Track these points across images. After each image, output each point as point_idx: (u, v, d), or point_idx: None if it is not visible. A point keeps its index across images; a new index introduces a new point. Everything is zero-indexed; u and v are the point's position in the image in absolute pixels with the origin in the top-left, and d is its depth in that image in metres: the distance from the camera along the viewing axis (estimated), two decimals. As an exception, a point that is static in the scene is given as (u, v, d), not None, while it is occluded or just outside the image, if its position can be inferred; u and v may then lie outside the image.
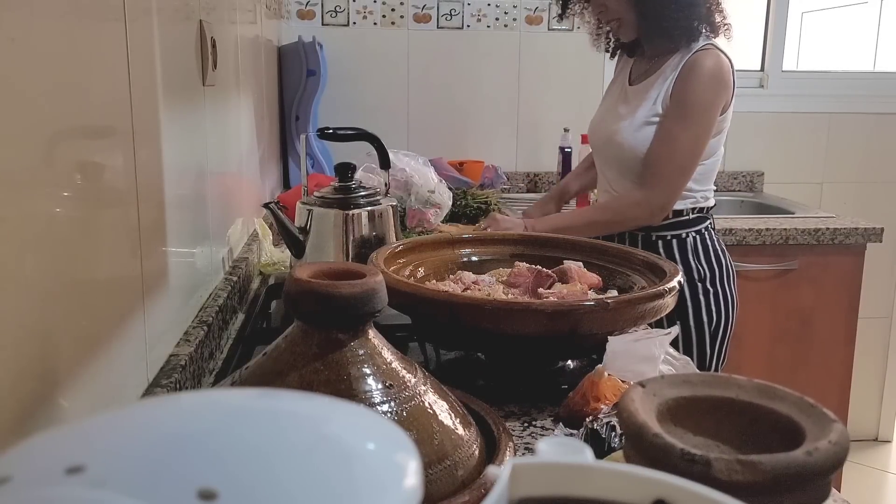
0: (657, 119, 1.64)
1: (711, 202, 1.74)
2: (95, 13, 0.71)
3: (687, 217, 1.70)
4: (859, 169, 2.93)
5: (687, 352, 1.66)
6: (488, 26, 2.71)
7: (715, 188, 1.77)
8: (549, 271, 1.12)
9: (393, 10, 2.67)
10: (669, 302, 1.00)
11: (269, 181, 2.10)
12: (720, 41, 1.69)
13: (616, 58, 1.88)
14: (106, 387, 0.71)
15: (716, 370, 1.71)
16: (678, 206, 1.68)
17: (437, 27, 2.70)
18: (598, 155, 1.82)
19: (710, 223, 1.74)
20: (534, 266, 1.13)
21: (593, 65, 2.70)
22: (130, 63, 0.79)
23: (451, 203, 1.97)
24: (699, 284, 1.67)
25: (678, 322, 1.63)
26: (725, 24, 1.68)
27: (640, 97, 1.68)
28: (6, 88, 0.53)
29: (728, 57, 1.65)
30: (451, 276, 1.16)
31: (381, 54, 2.68)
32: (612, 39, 1.82)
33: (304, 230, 1.33)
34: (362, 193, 1.34)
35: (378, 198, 1.36)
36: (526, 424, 0.90)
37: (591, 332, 0.94)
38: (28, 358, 0.56)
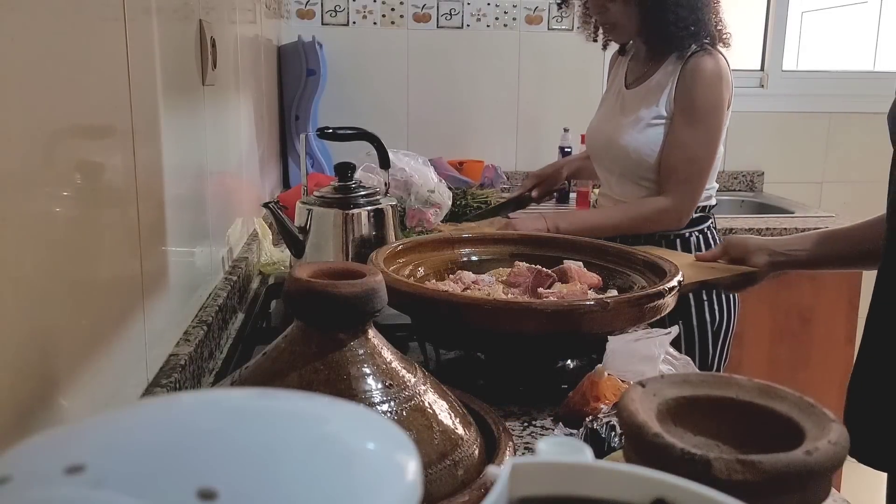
0: (660, 121, 1.65)
1: (713, 201, 1.75)
2: (95, 13, 0.71)
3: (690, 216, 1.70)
4: (859, 169, 2.93)
5: (689, 352, 1.66)
6: (488, 26, 2.71)
7: (717, 186, 1.77)
8: (549, 271, 1.12)
9: (393, 9, 2.67)
10: (669, 302, 1.00)
11: (268, 181, 2.10)
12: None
13: (609, 64, 1.89)
14: (106, 387, 0.71)
15: (718, 369, 1.72)
16: None
17: (437, 27, 2.70)
18: (598, 159, 1.82)
19: (712, 222, 1.75)
20: (534, 266, 1.13)
21: (593, 65, 2.70)
22: (130, 63, 0.79)
23: (451, 203, 1.97)
24: None
25: (681, 322, 1.63)
26: (726, 34, 1.69)
27: (640, 99, 1.69)
28: (6, 88, 0.53)
29: (724, 55, 1.66)
30: (451, 275, 1.16)
31: (380, 54, 2.68)
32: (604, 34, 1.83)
33: (304, 230, 1.33)
34: (362, 193, 1.34)
35: (378, 197, 1.36)
36: (526, 424, 0.90)
37: (591, 332, 0.94)
38: (28, 358, 0.56)
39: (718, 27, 1.67)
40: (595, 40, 1.86)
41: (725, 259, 1.30)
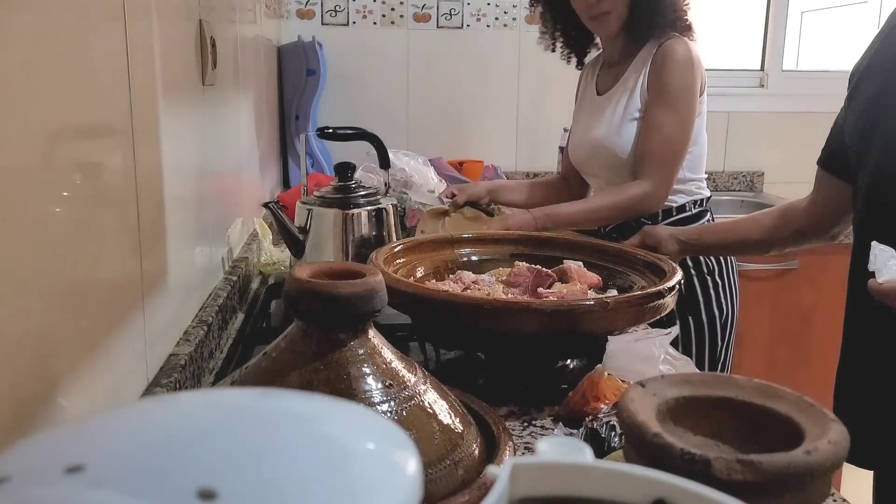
0: (638, 114, 1.66)
1: (707, 192, 1.76)
2: (95, 12, 0.71)
3: (690, 212, 1.71)
4: (859, 169, 2.93)
5: (700, 345, 1.68)
6: (488, 26, 2.71)
7: (707, 176, 1.78)
8: (549, 271, 1.12)
9: (392, 9, 2.67)
10: (669, 302, 1.00)
11: (268, 181, 2.10)
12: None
13: (578, 80, 1.91)
14: (106, 387, 0.71)
15: (725, 360, 1.74)
16: (680, 201, 1.70)
17: (437, 27, 2.70)
18: (586, 169, 1.82)
19: (710, 216, 1.76)
20: (534, 266, 1.13)
21: (593, 64, 2.70)
22: (130, 63, 0.79)
23: (450, 203, 1.97)
24: (708, 278, 1.68)
25: (690, 317, 1.65)
26: (694, 29, 1.71)
27: (616, 99, 1.70)
28: (6, 88, 0.53)
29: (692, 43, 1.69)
30: (450, 275, 1.16)
31: (380, 54, 2.68)
32: (562, 43, 1.83)
33: (304, 230, 1.33)
34: (362, 193, 1.34)
35: (378, 197, 1.36)
36: (526, 424, 0.90)
37: (591, 332, 0.94)
38: (28, 358, 0.56)
39: (688, 21, 1.69)
40: (553, 50, 1.87)
41: (641, 247, 1.35)
